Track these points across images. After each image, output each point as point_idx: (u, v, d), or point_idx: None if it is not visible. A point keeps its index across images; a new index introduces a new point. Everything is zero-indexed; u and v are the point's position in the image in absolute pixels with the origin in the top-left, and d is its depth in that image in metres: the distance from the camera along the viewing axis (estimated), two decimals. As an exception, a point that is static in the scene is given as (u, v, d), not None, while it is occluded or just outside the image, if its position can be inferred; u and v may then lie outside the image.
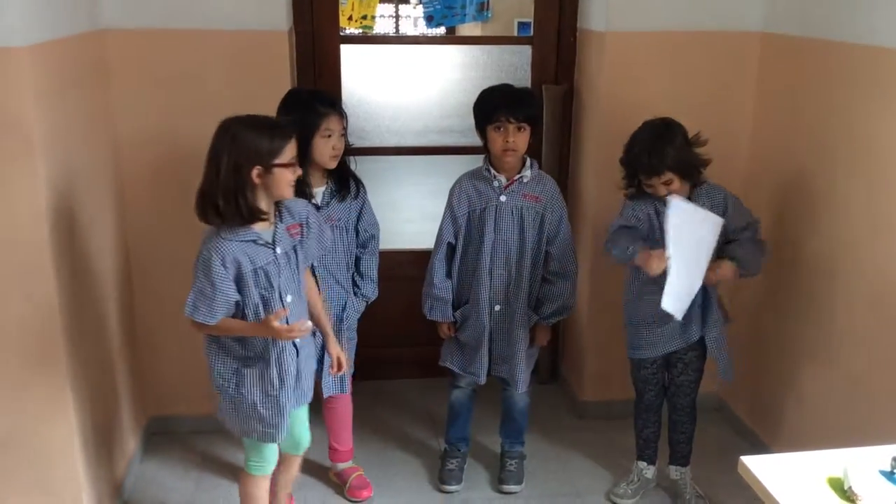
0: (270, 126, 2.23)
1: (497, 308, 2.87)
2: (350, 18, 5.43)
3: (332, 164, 2.70)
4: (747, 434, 3.37)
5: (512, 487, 3.07)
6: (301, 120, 2.60)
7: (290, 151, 2.22)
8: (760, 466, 1.70)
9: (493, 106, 2.74)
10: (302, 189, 2.65)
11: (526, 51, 3.59)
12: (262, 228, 2.27)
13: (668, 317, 2.71)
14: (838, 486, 1.63)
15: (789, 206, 3.02)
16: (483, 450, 3.30)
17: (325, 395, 2.86)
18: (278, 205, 2.31)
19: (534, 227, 2.81)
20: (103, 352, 2.81)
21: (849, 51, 2.66)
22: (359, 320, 2.93)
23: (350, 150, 3.54)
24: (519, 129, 2.71)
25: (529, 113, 2.73)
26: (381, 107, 4.23)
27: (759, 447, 3.19)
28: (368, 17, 5.56)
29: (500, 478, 3.09)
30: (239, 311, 2.28)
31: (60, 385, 2.44)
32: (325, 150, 2.65)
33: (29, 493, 2.51)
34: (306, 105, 2.65)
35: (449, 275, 2.92)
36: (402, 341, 3.77)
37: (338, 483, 3.10)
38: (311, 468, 3.20)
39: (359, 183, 2.83)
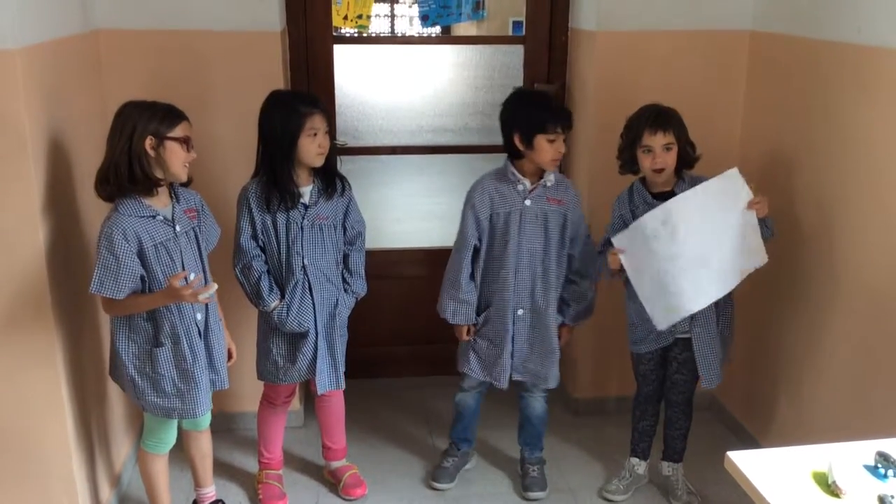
0: (165, 106, 2.38)
1: (520, 312, 2.85)
2: (345, 18, 5.43)
3: (319, 162, 2.69)
4: (740, 431, 3.39)
5: (537, 494, 3.03)
6: (284, 122, 2.62)
7: (182, 130, 2.37)
8: (746, 461, 1.71)
9: (548, 114, 2.71)
10: (289, 189, 2.67)
11: (518, 50, 3.61)
12: (160, 206, 2.41)
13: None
14: (823, 481, 1.65)
15: (779, 202, 3.03)
16: (483, 446, 3.32)
17: (320, 392, 2.86)
18: (173, 187, 2.45)
19: (557, 231, 2.81)
20: (98, 353, 2.82)
21: (835, 49, 2.69)
22: (350, 318, 2.93)
23: (344, 150, 3.57)
24: (564, 139, 2.74)
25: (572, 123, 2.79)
26: (375, 106, 4.23)
27: (751, 444, 3.20)
28: (364, 17, 5.56)
29: (524, 485, 3.07)
30: (146, 290, 2.39)
31: (55, 385, 2.45)
32: (312, 148, 2.65)
33: (24, 494, 2.52)
34: (288, 106, 2.65)
35: (471, 277, 2.88)
36: (395, 339, 3.79)
37: (332, 481, 3.11)
38: (305, 466, 3.22)
39: (344, 180, 2.84)
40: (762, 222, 2.64)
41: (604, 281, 2.91)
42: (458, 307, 2.88)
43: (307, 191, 2.73)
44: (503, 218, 2.80)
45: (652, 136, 2.65)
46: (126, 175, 2.32)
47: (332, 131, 2.74)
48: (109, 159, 2.35)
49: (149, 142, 2.32)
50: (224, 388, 2.63)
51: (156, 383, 2.46)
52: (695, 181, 2.74)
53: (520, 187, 2.79)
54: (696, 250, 2.61)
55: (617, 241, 2.68)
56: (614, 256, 2.68)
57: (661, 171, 2.68)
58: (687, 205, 2.62)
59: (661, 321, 2.71)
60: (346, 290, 2.86)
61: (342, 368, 2.88)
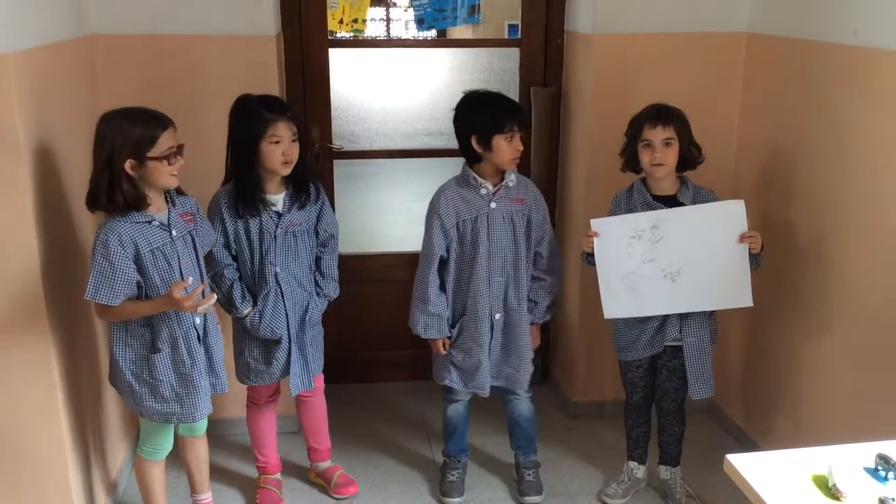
0: (145, 117, 2.29)
1: (497, 316, 2.83)
2: (341, 22, 5.42)
3: (285, 171, 2.65)
4: (738, 434, 3.38)
5: (534, 498, 3.02)
6: (246, 127, 2.60)
7: (164, 142, 2.28)
8: (746, 464, 1.71)
9: (503, 114, 2.69)
10: (259, 197, 2.65)
11: (514, 53, 3.61)
12: (155, 211, 2.37)
13: (645, 318, 2.77)
14: (823, 484, 1.64)
15: (776, 205, 3.03)
16: (475, 454, 3.30)
17: (293, 394, 2.85)
18: (169, 192, 2.41)
19: (523, 230, 2.81)
20: (94, 358, 2.80)
21: (831, 51, 2.69)
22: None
23: (340, 154, 3.56)
24: (521, 136, 2.73)
25: (526, 119, 2.73)
26: (371, 110, 4.23)
27: (750, 447, 3.19)
28: (359, 21, 5.55)
29: (520, 490, 3.05)
30: (142, 296, 2.37)
31: (51, 392, 2.43)
32: (275, 156, 2.60)
33: (20, 501, 2.50)
34: (252, 111, 2.61)
35: (441, 289, 2.85)
36: (391, 344, 3.77)
37: (321, 483, 3.10)
38: (294, 470, 3.20)
39: (317, 186, 2.82)
40: (753, 257, 2.64)
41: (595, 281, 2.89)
42: (428, 321, 2.84)
43: (279, 199, 2.71)
44: (470, 224, 2.78)
45: (652, 130, 2.66)
46: (106, 197, 2.27)
47: (302, 139, 2.68)
48: (95, 177, 2.29)
49: (129, 164, 2.26)
50: (224, 391, 2.62)
51: (154, 389, 2.44)
52: (698, 192, 2.74)
53: (483, 191, 2.77)
54: (671, 263, 2.65)
55: (595, 224, 2.70)
56: (588, 238, 2.70)
57: (659, 165, 2.66)
58: (682, 219, 2.65)
59: (610, 311, 2.75)
60: (317, 294, 2.84)
61: (314, 369, 2.86)
